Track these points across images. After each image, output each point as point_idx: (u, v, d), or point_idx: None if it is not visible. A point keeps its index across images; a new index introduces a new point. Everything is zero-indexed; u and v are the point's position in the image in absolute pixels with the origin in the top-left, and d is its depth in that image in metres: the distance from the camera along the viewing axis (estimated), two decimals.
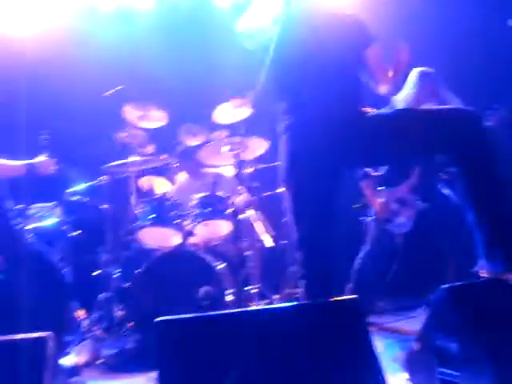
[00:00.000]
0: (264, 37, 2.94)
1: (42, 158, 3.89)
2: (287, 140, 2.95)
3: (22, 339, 2.11)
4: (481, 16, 5.62)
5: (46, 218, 4.90)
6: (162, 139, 5.33)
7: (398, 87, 3.25)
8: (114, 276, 4.68)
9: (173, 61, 5.97)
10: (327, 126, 2.84)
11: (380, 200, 4.85)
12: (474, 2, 5.68)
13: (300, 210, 2.91)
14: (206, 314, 2.37)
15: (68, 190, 4.78)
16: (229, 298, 4.32)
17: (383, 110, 3.07)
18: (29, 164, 3.81)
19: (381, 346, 3.38)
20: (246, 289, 4.63)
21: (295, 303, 2.83)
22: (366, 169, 4.81)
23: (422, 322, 2.55)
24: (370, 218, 5.01)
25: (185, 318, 2.28)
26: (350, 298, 2.42)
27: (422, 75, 4.47)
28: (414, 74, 4.50)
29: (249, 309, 2.44)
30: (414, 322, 4.12)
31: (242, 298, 4.58)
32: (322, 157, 2.82)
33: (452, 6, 5.63)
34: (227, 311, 2.42)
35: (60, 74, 5.67)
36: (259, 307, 4.01)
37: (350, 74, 2.95)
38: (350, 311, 2.38)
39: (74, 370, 4.00)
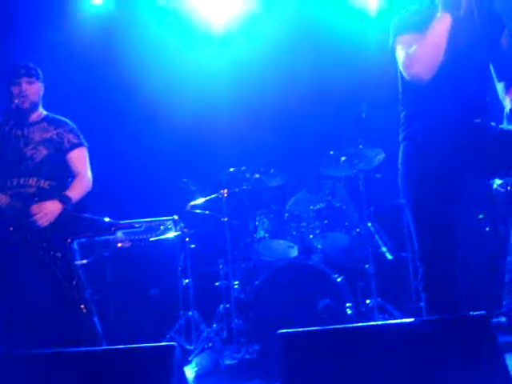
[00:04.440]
0: None
1: None
2: (404, 150, 2.86)
3: (150, 347, 2.19)
4: None
5: (168, 230, 5.10)
6: None
7: None
8: (234, 287, 4.76)
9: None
10: (449, 137, 2.72)
11: None
12: None
13: (420, 223, 2.78)
14: (328, 327, 2.33)
15: (189, 204, 4.92)
16: (349, 310, 4.26)
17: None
18: None
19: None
20: (366, 302, 4.54)
21: (419, 318, 2.72)
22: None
23: None
24: None
25: (308, 331, 2.25)
26: (478, 314, 2.28)
27: None
28: None
29: (372, 323, 2.36)
30: None
31: (362, 312, 4.50)
32: (442, 168, 2.71)
33: None
34: (350, 325, 2.37)
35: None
36: (382, 322, 3.91)
37: (479, 80, 2.81)
38: (480, 328, 2.25)
39: (196, 379, 4.11)
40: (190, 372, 4.27)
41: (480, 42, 2.73)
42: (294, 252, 4.72)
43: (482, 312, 2.30)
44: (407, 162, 2.82)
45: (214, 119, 5.83)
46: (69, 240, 3.48)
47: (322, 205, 4.75)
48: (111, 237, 4.34)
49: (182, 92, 5.82)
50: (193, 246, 5.13)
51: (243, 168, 4.88)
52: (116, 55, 5.84)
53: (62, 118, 3.73)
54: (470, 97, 2.77)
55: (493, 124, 2.84)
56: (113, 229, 3.68)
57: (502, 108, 2.91)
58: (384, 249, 4.85)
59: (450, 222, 2.73)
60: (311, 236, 4.67)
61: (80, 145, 3.68)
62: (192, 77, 5.89)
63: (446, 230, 2.72)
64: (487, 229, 4.94)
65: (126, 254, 5.07)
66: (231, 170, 4.91)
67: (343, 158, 4.79)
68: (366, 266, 4.62)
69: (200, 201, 4.94)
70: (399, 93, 2.91)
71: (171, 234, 5.06)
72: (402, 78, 2.80)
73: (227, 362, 4.43)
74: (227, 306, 4.83)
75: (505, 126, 2.88)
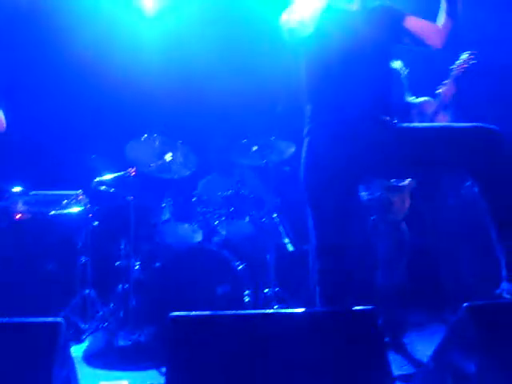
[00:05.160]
0: (304, 33, 2.84)
1: None
2: (307, 144, 2.91)
3: (34, 322, 2.12)
4: None
5: (71, 205, 4.95)
6: None
7: None
8: (134, 268, 4.69)
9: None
10: (347, 134, 2.79)
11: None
12: None
13: (317, 217, 2.85)
14: (219, 312, 2.35)
15: (95, 179, 4.79)
16: (246, 298, 4.30)
17: (408, 124, 3.01)
18: None
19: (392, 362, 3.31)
20: (264, 291, 4.61)
21: (309, 309, 2.79)
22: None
23: (438, 339, 2.48)
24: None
25: (199, 315, 2.26)
26: (366, 309, 2.37)
27: None
28: None
29: (262, 311, 2.40)
30: (428, 338, 4.05)
31: (260, 300, 4.56)
32: (338, 165, 2.77)
33: None
34: (240, 312, 2.40)
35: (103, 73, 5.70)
36: (272, 310, 3.99)
37: (379, 80, 2.90)
38: (366, 322, 2.34)
39: (87, 359, 4.03)
40: (81, 351, 4.19)
41: (375, 45, 2.85)
42: (199, 237, 4.70)
43: (369, 307, 2.39)
44: (307, 157, 2.88)
45: (135, 93, 5.72)
46: None
47: (230, 192, 4.77)
48: (7, 204, 4.15)
49: (105, 62, 5.66)
50: (96, 223, 5.00)
51: (155, 135, 4.75)
52: (46, 15, 5.63)
53: None
54: (374, 94, 2.85)
55: (395, 121, 2.93)
56: (6, 196, 3.50)
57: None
58: (286, 240, 4.93)
59: (344, 219, 2.80)
60: (216, 222, 4.68)
61: None
62: (120, 46, 5.75)
63: (340, 226, 2.79)
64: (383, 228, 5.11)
65: (24, 226, 4.87)
66: (142, 138, 4.77)
67: (255, 148, 4.82)
68: (268, 255, 4.68)
69: (107, 177, 4.81)
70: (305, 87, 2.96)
71: (74, 209, 4.92)
72: (307, 70, 2.86)
73: (121, 342, 4.36)
74: (126, 286, 4.75)
75: (407, 124, 2.99)
